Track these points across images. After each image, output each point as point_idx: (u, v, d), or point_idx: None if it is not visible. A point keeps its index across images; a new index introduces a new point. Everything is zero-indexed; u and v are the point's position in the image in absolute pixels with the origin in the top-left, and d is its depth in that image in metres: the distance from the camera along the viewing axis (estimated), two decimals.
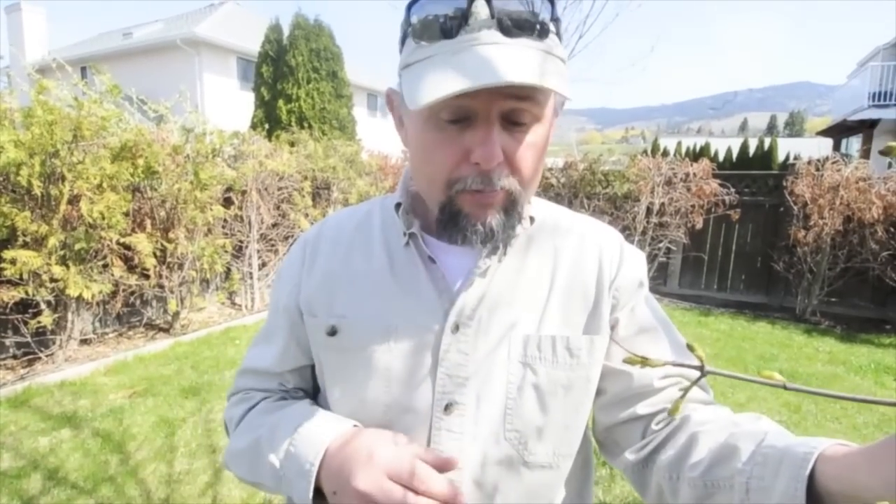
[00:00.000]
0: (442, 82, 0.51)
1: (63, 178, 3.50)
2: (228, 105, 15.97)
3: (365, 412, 0.64)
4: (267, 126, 9.85)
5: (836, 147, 17.56)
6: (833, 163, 5.41)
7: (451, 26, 0.53)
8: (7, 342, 3.72)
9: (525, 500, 0.65)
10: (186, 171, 4.39)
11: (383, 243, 0.69)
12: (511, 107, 0.55)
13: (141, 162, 3.98)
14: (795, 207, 5.50)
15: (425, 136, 0.58)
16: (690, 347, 0.38)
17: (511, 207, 0.60)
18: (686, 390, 0.37)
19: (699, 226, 6.06)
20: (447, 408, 0.62)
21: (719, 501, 0.51)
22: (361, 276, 0.68)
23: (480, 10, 0.53)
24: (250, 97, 13.00)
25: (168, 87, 6.81)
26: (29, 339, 3.60)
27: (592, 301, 0.67)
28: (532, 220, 0.69)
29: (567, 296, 0.67)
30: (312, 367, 0.74)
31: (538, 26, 0.54)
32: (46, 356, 3.75)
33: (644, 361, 0.37)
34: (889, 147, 0.32)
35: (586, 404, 0.67)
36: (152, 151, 4.04)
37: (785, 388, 0.33)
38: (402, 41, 0.59)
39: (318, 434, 0.61)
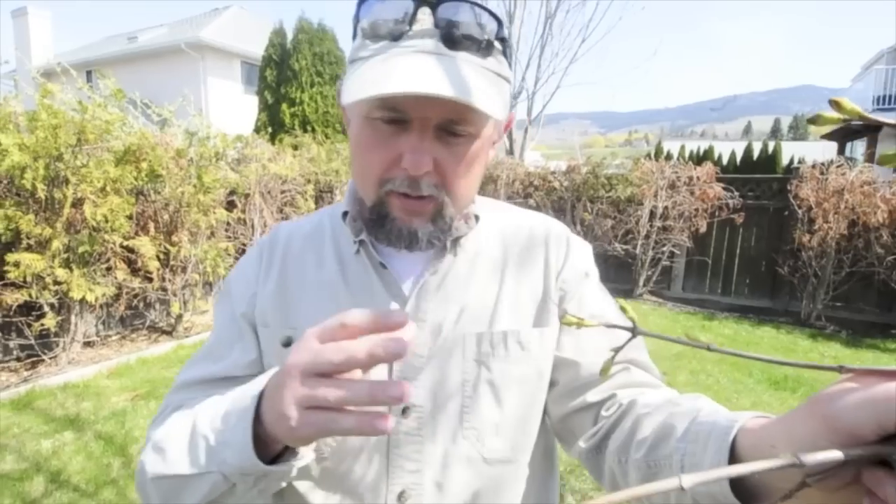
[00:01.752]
0: (370, 83, 0.52)
1: (67, 182, 3.51)
2: (232, 109, 16.06)
3: None
4: (270, 129, 9.86)
5: (841, 151, 17.48)
6: (838, 166, 5.38)
7: (396, 30, 0.54)
8: (11, 344, 3.73)
9: (488, 496, 0.65)
10: (190, 174, 4.40)
11: (334, 252, 0.70)
12: (446, 118, 0.56)
13: (144, 165, 3.99)
14: (800, 211, 5.47)
15: (362, 133, 0.59)
16: (623, 308, 0.38)
17: (438, 217, 0.61)
18: (617, 350, 0.38)
19: (703, 229, 6.05)
20: (404, 411, 0.63)
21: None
22: (314, 286, 0.68)
23: (425, 18, 0.54)
24: (254, 101, 13.07)
25: (172, 90, 6.85)
26: (32, 342, 3.61)
27: (541, 294, 0.69)
28: (477, 218, 0.69)
29: (517, 290, 0.69)
30: None
31: (482, 43, 0.55)
32: (50, 358, 3.76)
33: (580, 322, 0.38)
34: (885, 156, 0.31)
35: (540, 396, 0.69)
36: (156, 155, 4.05)
37: (708, 349, 0.34)
38: (353, 36, 0.60)
39: (256, 382, 0.53)
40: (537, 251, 0.71)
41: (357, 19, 0.58)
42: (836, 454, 0.29)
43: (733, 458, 0.42)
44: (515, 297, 0.68)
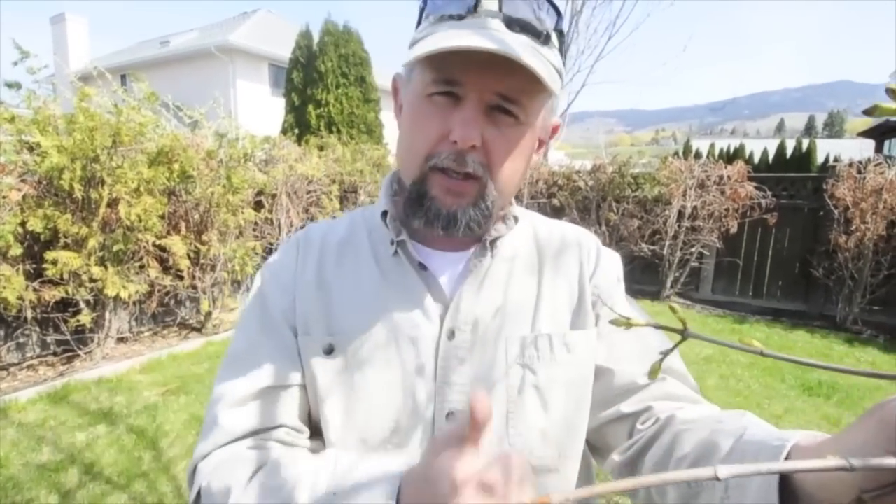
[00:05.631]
0: (428, 45, 0.54)
1: (103, 182, 3.62)
2: (260, 110, 16.32)
3: (369, 429, 0.63)
4: (297, 131, 10.00)
5: (879, 149, 16.85)
6: (876, 165, 5.19)
7: (460, 14, 0.57)
8: (48, 339, 3.87)
9: None
10: (219, 175, 4.49)
11: (372, 254, 0.68)
12: (501, 94, 0.57)
13: (176, 166, 4.09)
14: (836, 211, 5.29)
15: (417, 110, 0.60)
16: (672, 309, 0.35)
17: (480, 200, 0.60)
18: (666, 353, 0.36)
19: (734, 230, 5.90)
20: (449, 416, 0.62)
21: (704, 501, 0.48)
22: (354, 290, 0.67)
23: (490, 4, 0.56)
24: (281, 103, 13.26)
25: (203, 93, 7.00)
26: (68, 337, 3.73)
27: (577, 297, 0.68)
28: (516, 219, 0.69)
29: (553, 294, 0.68)
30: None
31: (542, 34, 0.57)
32: (85, 353, 3.88)
33: (629, 323, 0.36)
34: (874, 107, 0.29)
35: (586, 401, 0.66)
36: (187, 156, 4.14)
37: (762, 354, 0.32)
38: (418, 24, 0.62)
39: (380, 475, 0.49)
40: (571, 255, 0.71)
41: (423, 9, 0.61)
42: (891, 461, 0.27)
43: (783, 479, 0.38)
44: (553, 301, 0.67)
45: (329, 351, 0.64)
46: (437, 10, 0.58)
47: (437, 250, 0.67)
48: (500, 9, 0.56)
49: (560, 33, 0.60)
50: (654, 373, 0.37)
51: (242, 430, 0.61)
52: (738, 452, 0.45)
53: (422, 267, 0.65)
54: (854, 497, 0.28)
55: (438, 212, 0.60)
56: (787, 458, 0.39)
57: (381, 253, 0.68)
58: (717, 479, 0.25)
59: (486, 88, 0.56)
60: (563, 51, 0.61)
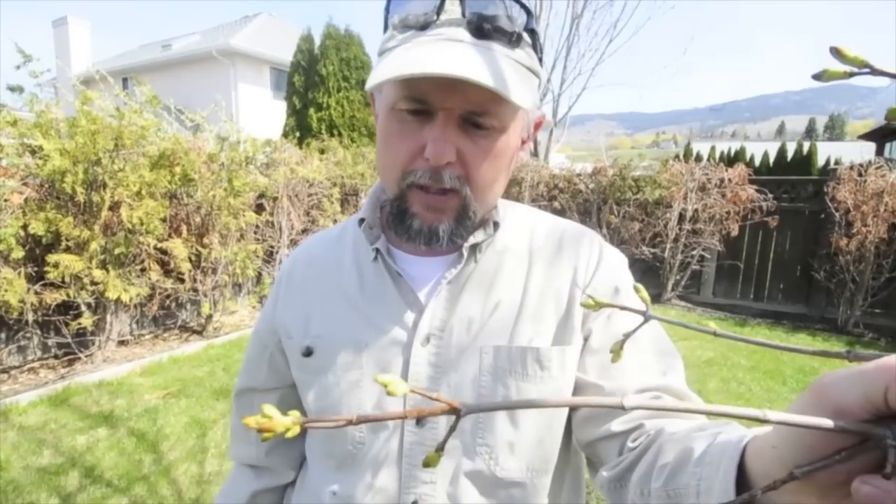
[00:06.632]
0: (393, 68, 0.51)
1: (104, 186, 3.63)
2: (261, 114, 16.38)
3: (340, 431, 0.64)
4: (298, 134, 10.02)
5: (880, 151, 16.85)
6: (877, 168, 5.18)
7: (424, 20, 0.54)
8: (49, 342, 3.87)
9: None
10: (221, 178, 4.50)
11: (354, 261, 0.70)
12: (470, 109, 0.55)
13: (178, 170, 4.10)
14: (837, 214, 5.29)
15: (388, 125, 0.59)
16: (636, 288, 0.35)
17: (462, 215, 0.60)
18: (628, 335, 0.35)
19: (735, 233, 5.89)
20: (419, 421, 0.62)
21: None
22: (334, 294, 0.69)
23: (453, 9, 0.54)
24: (282, 106, 13.30)
25: (204, 96, 7.02)
26: (70, 340, 3.74)
27: (564, 308, 0.65)
28: (496, 226, 0.66)
29: (540, 303, 0.65)
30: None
31: (511, 35, 0.55)
32: (86, 356, 3.88)
33: (598, 304, 0.35)
34: (823, 71, 0.27)
35: (559, 419, 0.65)
36: (189, 159, 4.16)
37: (715, 334, 0.32)
38: (384, 29, 0.60)
39: None
40: (566, 260, 0.67)
41: (387, 12, 0.58)
42: (812, 419, 0.27)
43: (742, 473, 0.38)
44: (538, 310, 0.65)
45: (307, 353, 0.67)
46: (403, 21, 0.56)
47: (419, 256, 0.67)
48: (464, 14, 0.53)
49: (531, 32, 0.57)
50: (615, 354, 0.36)
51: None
52: (709, 456, 0.44)
53: (398, 274, 0.66)
54: (787, 473, 0.29)
55: (420, 228, 0.60)
56: (745, 449, 0.39)
57: (362, 260, 0.69)
58: (623, 408, 0.26)
59: (455, 104, 0.54)
60: (536, 47, 0.59)
